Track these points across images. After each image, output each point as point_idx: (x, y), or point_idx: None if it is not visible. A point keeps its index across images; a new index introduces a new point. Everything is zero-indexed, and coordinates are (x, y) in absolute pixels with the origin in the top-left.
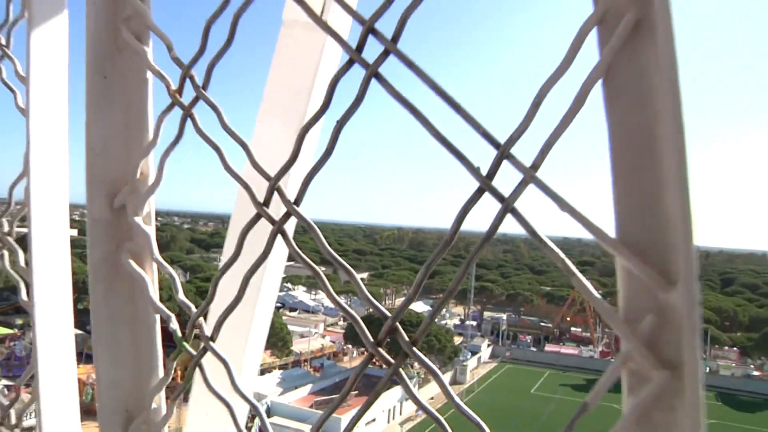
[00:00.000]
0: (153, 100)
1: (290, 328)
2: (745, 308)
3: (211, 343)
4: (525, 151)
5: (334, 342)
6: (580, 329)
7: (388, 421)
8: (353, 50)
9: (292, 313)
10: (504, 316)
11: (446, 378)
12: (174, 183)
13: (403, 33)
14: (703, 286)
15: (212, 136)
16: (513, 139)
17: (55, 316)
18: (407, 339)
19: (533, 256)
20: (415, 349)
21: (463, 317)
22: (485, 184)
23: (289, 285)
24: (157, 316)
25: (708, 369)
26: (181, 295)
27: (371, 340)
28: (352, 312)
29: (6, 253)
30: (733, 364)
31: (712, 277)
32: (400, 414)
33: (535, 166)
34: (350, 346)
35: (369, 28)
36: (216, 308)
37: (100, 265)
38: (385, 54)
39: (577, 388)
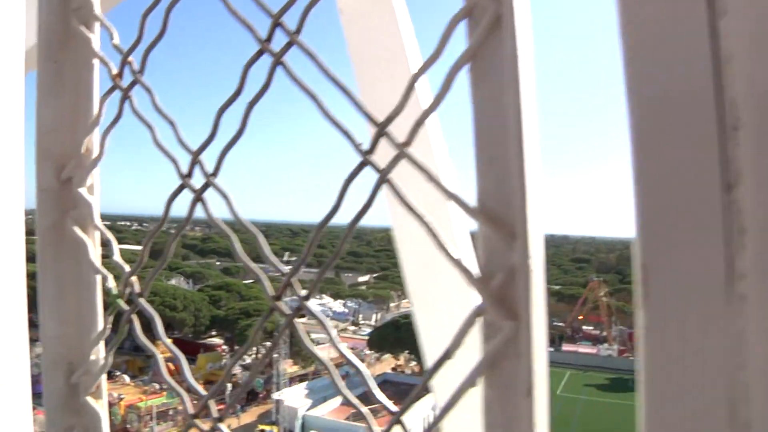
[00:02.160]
0: (99, 83)
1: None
2: None
3: (141, 300)
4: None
5: (353, 348)
6: (591, 327)
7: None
8: (262, 40)
9: (301, 320)
10: None
11: None
12: (157, 187)
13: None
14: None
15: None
16: (390, 118)
17: (8, 328)
18: (301, 293)
19: None
20: (306, 303)
21: None
22: (365, 158)
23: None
24: (98, 277)
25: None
26: (117, 257)
27: (271, 294)
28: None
29: None
30: None
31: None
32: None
33: (407, 142)
34: (372, 351)
35: (276, 23)
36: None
37: (48, 231)
38: (289, 45)
39: (602, 387)
